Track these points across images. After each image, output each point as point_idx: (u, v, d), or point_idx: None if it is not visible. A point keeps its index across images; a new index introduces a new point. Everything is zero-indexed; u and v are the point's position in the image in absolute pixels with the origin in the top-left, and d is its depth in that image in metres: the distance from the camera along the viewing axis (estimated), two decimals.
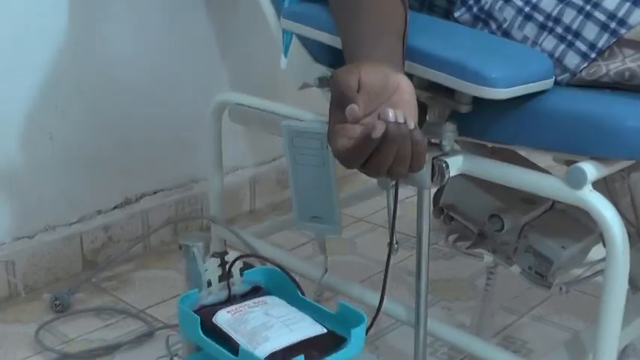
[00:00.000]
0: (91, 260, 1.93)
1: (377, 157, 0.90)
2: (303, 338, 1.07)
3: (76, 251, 1.90)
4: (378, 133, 0.87)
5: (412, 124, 0.90)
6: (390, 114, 0.88)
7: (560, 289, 1.38)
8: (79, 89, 1.83)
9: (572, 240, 1.31)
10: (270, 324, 1.10)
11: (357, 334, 1.08)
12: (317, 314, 1.16)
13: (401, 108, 0.91)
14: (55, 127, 1.81)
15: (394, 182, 1.16)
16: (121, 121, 1.93)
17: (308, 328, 1.11)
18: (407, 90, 0.95)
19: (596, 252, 1.31)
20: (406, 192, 1.51)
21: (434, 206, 1.44)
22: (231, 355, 1.04)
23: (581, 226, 1.35)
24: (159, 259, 2.02)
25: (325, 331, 1.11)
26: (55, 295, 1.76)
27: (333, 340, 1.09)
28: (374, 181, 1.24)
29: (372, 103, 0.91)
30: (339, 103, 0.92)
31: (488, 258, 1.42)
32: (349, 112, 0.89)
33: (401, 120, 0.89)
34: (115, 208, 1.97)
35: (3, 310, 1.76)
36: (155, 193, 2.06)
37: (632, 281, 1.43)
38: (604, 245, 1.09)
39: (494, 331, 1.65)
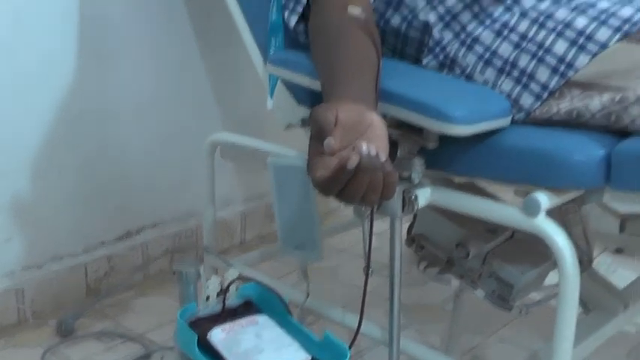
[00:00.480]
0: (95, 288, 1.92)
1: (351, 186, 0.90)
2: None
3: (80, 280, 1.89)
4: (352, 164, 0.87)
5: (383, 156, 0.91)
6: (364, 147, 0.89)
7: (520, 310, 1.38)
8: (85, 128, 1.83)
9: (530, 266, 1.32)
10: (261, 347, 1.11)
11: None
12: (303, 339, 1.16)
13: (373, 142, 0.91)
14: (64, 164, 1.81)
15: (369, 212, 1.15)
16: (123, 159, 1.93)
17: (295, 354, 1.12)
18: (379, 126, 0.95)
19: (553, 277, 1.31)
20: (382, 226, 1.52)
21: (407, 236, 1.45)
22: None
23: (538, 253, 1.35)
24: (157, 287, 2.01)
25: (309, 357, 1.12)
26: (60, 320, 1.75)
27: None
28: (352, 214, 1.26)
29: (347, 137, 0.92)
30: (318, 136, 0.92)
31: (456, 283, 1.43)
32: (327, 145, 0.89)
33: (373, 153, 0.89)
34: (117, 239, 1.97)
35: (12, 335, 1.75)
36: (154, 226, 2.05)
37: (583, 303, 1.44)
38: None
39: (462, 351, 1.65)
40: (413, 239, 1.45)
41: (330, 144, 0.89)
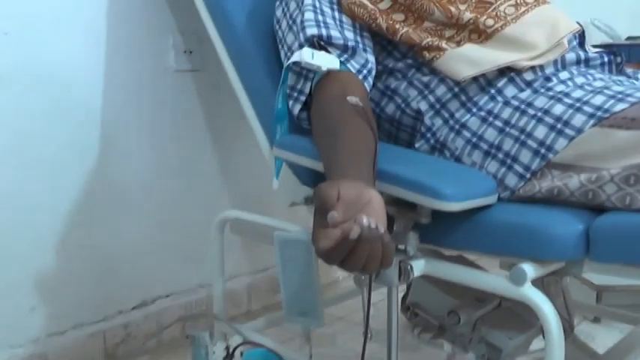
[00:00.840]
0: (112, 353, 1.90)
1: (353, 255, 0.90)
2: None
3: (99, 346, 1.87)
4: (354, 234, 0.88)
5: (382, 229, 0.91)
6: (364, 220, 0.89)
7: None
8: (103, 206, 1.84)
9: (517, 332, 1.31)
10: None
11: None
12: None
13: (373, 216, 0.91)
14: (83, 242, 1.80)
15: (368, 281, 1.15)
16: (139, 235, 1.93)
17: None
18: (377, 202, 0.95)
19: (537, 343, 1.31)
20: (378, 296, 1.52)
21: (402, 304, 1.44)
22: None
23: (524, 320, 1.34)
24: (170, 353, 1.99)
25: None
26: None
27: None
28: (352, 284, 1.25)
29: (348, 212, 0.92)
30: (322, 211, 0.92)
31: (448, 347, 1.41)
32: (330, 218, 0.90)
33: (373, 225, 0.89)
34: (133, 308, 1.95)
35: None
36: (167, 296, 2.04)
37: None
38: (543, 337, 1.08)
39: None
40: (408, 307, 1.44)
41: (334, 217, 0.90)
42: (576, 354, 1.42)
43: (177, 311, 2.05)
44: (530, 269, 1.06)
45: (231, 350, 1.21)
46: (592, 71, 1.34)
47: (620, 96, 1.17)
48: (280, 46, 1.44)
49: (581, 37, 1.41)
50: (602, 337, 1.47)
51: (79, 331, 1.83)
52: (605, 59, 1.38)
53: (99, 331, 1.87)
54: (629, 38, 3.00)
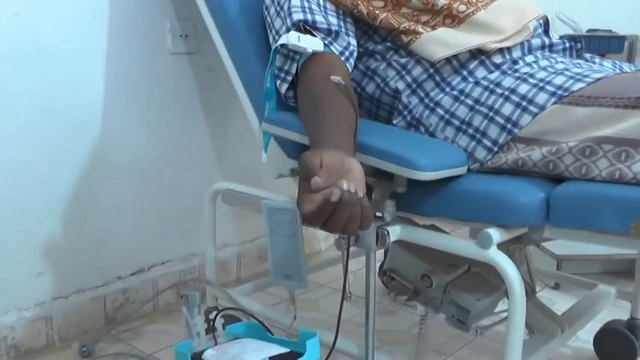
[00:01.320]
0: (112, 317, 1.90)
1: (334, 217, 0.91)
2: (270, 355, 1.09)
3: (100, 309, 1.87)
4: (335, 197, 0.89)
5: (361, 193, 0.92)
6: (345, 185, 0.90)
7: (476, 331, 1.39)
8: (107, 179, 1.84)
9: (484, 295, 1.32)
10: (245, 350, 1.12)
11: (312, 345, 1.10)
12: (281, 342, 1.18)
13: (353, 182, 0.92)
14: (88, 211, 1.81)
15: (347, 244, 1.16)
16: (138, 206, 1.93)
17: (274, 350, 1.13)
18: (357, 170, 0.96)
19: (503, 305, 1.32)
20: (356, 265, 1.53)
21: (379, 271, 1.45)
22: None
23: (490, 284, 1.36)
24: (165, 316, 2.00)
25: (288, 350, 1.13)
26: (82, 344, 1.73)
27: (293, 356, 1.11)
28: (333, 254, 1.25)
29: (330, 178, 0.92)
30: (306, 177, 0.93)
31: (421, 308, 1.42)
32: (313, 183, 0.90)
33: (352, 190, 0.90)
34: (131, 275, 1.96)
35: (42, 356, 1.73)
36: (163, 263, 2.04)
37: (528, 327, 1.44)
38: (508, 299, 1.09)
39: None
40: (384, 273, 1.44)
41: (317, 182, 0.91)
42: (536, 315, 1.43)
43: (171, 278, 2.06)
44: (495, 234, 1.08)
45: (211, 321, 1.21)
46: (555, 55, 1.36)
47: (578, 77, 1.19)
48: (269, 31, 1.45)
49: (545, 25, 1.42)
50: (561, 303, 1.49)
51: (82, 296, 1.84)
52: (567, 45, 1.40)
53: (99, 296, 1.87)
54: (589, 30, 3.04)
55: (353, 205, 0.91)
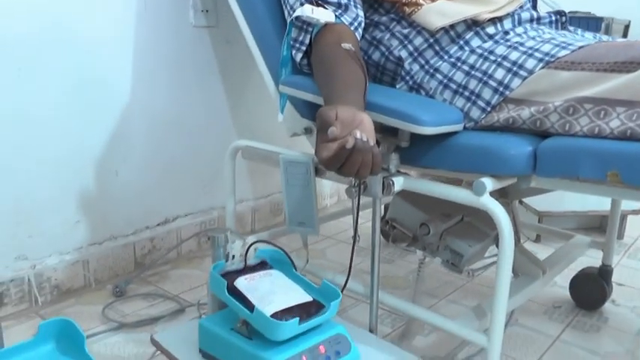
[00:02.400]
0: (141, 262, 1.95)
1: (349, 162, 0.94)
2: (296, 303, 1.11)
3: (130, 255, 1.92)
4: (350, 144, 0.91)
5: (372, 142, 0.95)
6: (358, 134, 0.93)
7: (468, 273, 1.43)
8: (136, 138, 1.87)
9: (475, 241, 1.36)
10: (274, 291, 1.13)
11: (334, 305, 1.11)
12: (306, 286, 1.19)
13: (365, 133, 0.95)
14: (119, 167, 1.84)
15: (357, 192, 1.19)
16: (162, 164, 1.96)
17: (300, 296, 1.14)
18: (368, 122, 0.99)
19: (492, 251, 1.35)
20: (361, 220, 1.56)
21: (382, 219, 1.48)
22: (248, 312, 1.07)
23: (481, 232, 1.39)
24: (187, 262, 2.04)
25: (311, 299, 1.14)
26: (115, 285, 1.78)
27: (316, 307, 1.12)
28: (338, 209, 1.26)
29: (345, 128, 0.95)
30: (323, 128, 0.95)
31: (419, 253, 1.45)
32: (330, 132, 0.93)
33: (365, 139, 0.93)
34: (157, 225, 2.00)
35: (80, 295, 1.77)
36: (186, 215, 2.08)
37: (514, 270, 1.48)
38: (497, 247, 1.11)
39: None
40: (387, 222, 1.47)
41: (333, 131, 0.93)
42: (521, 259, 1.47)
43: (193, 228, 2.10)
44: (488, 182, 1.10)
45: (248, 246, 1.24)
46: (542, 27, 1.37)
47: (563, 45, 1.21)
48: (284, 6, 1.45)
49: (534, 1, 1.44)
50: (542, 254, 1.53)
51: (114, 242, 1.88)
52: (553, 18, 1.41)
53: (130, 243, 1.91)
54: (570, 12, 3.05)
55: (365, 152, 0.94)
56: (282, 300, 1.11)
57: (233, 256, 1.22)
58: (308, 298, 1.14)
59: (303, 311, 1.10)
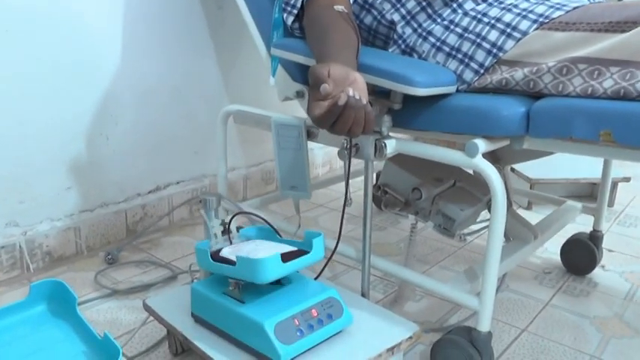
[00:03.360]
0: (132, 229, 1.94)
1: (341, 119, 0.93)
2: (281, 252, 1.10)
3: (122, 222, 1.91)
4: (342, 101, 0.91)
5: (365, 100, 0.94)
6: (351, 91, 0.92)
7: (460, 237, 1.42)
8: (127, 104, 1.84)
9: (467, 205, 1.35)
10: (259, 248, 1.13)
11: (317, 244, 1.10)
12: (290, 243, 1.19)
13: (357, 90, 0.95)
14: (110, 132, 1.82)
15: (349, 153, 1.18)
16: (154, 130, 1.94)
17: (284, 248, 1.13)
18: (361, 81, 0.98)
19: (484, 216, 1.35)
20: (352, 188, 1.54)
21: (374, 185, 1.48)
22: (231, 267, 1.06)
23: (473, 196, 1.38)
24: (179, 230, 2.03)
25: (296, 249, 1.14)
26: (107, 252, 1.77)
27: (301, 253, 1.11)
28: (329, 177, 1.25)
29: (337, 86, 0.94)
30: (315, 85, 0.94)
31: (412, 218, 1.44)
32: (323, 89, 0.92)
33: (357, 96, 0.92)
34: (149, 192, 1.98)
35: (72, 262, 1.76)
36: (177, 183, 2.07)
37: (505, 234, 1.48)
38: (489, 211, 1.11)
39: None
40: (379, 187, 1.46)
41: (326, 88, 0.92)
42: (514, 223, 1.47)
43: (185, 196, 2.09)
44: (481, 144, 1.10)
45: (227, 223, 1.23)
46: None
47: (557, 6, 1.20)
48: None
49: None
50: (533, 220, 1.53)
51: (106, 209, 1.87)
52: None
53: (121, 210, 1.90)
54: None
55: (358, 109, 0.93)
56: (265, 252, 1.09)
57: (216, 235, 1.21)
58: (292, 248, 1.14)
59: (288, 256, 1.09)
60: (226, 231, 1.25)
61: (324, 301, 1.11)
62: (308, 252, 1.12)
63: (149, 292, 1.60)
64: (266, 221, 1.27)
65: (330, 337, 1.10)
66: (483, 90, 1.21)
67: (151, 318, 1.26)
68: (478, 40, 1.22)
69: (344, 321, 1.12)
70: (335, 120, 0.94)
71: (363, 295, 1.31)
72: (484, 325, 1.15)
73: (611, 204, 2.37)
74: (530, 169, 2.31)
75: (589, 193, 2.44)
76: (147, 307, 1.25)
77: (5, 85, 1.55)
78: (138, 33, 1.82)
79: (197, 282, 1.20)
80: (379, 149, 1.17)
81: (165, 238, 1.96)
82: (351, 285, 1.64)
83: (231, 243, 1.23)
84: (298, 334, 1.04)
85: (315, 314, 1.08)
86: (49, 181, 1.70)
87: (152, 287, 1.62)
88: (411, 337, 1.13)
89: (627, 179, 2.35)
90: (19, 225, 1.66)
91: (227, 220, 1.27)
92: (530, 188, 2.27)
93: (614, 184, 2.35)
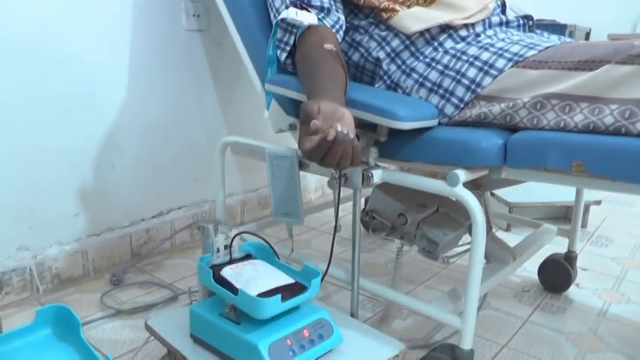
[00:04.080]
0: (137, 252, 1.92)
1: (330, 153, 0.92)
2: (279, 285, 1.10)
3: (127, 245, 1.89)
4: (331, 136, 0.90)
5: (352, 135, 0.93)
6: (339, 127, 0.91)
7: (444, 260, 1.41)
8: (132, 134, 1.83)
9: (450, 230, 1.34)
10: (258, 277, 1.12)
11: (314, 283, 1.10)
12: (288, 270, 1.18)
13: (345, 126, 0.94)
14: (116, 161, 1.81)
15: (339, 183, 1.17)
16: (157, 159, 1.93)
17: (283, 279, 1.12)
18: (349, 117, 0.97)
19: (466, 239, 1.34)
20: (342, 212, 1.53)
21: (363, 210, 1.47)
22: (233, 295, 1.05)
23: (455, 221, 1.38)
24: (181, 252, 2.01)
25: (293, 281, 1.13)
26: (113, 274, 1.75)
27: (299, 288, 1.11)
28: (322, 202, 1.25)
29: (326, 121, 0.94)
30: (306, 120, 0.94)
31: (397, 242, 1.44)
32: (313, 125, 0.92)
33: (345, 132, 0.92)
34: (153, 217, 1.97)
35: (80, 284, 1.74)
36: (179, 208, 2.05)
37: (486, 256, 1.47)
38: (470, 235, 1.11)
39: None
40: (367, 213, 1.46)
41: (316, 124, 0.92)
42: (493, 246, 1.46)
43: (186, 220, 2.07)
44: (462, 174, 1.09)
45: (231, 240, 1.22)
46: (511, 30, 1.37)
47: (531, 45, 1.20)
48: (270, 9, 1.44)
49: (503, 6, 1.43)
50: (512, 242, 1.53)
51: (111, 234, 1.85)
52: (521, 22, 1.41)
53: (126, 234, 1.89)
54: (537, 20, 3.06)
55: (346, 144, 0.92)
56: (265, 283, 1.09)
57: (218, 249, 1.20)
58: (290, 281, 1.13)
59: (286, 291, 1.08)
60: (228, 246, 1.24)
61: (316, 321, 1.10)
62: (305, 286, 1.11)
63: (151, 312, 1.58)
64: (268, 243, 1.26)
65: (321, 356, 1.09)
66: (463, 123, 1.20)
67: (152, 337, 1.24)
68: (458, 77, 1.23)
69: (334, 340, 1.11)
70: (324, 154, 0.93)
71: (352, 315, 1.29)
72: (467, 343, 1.14)
73: (584, 225, 2.36)
74: (509, 193, 2.31)
75: (564, 215, 2.44)
76: (148, 328, 1.23)
77: (18, 115, 1.55)
78: (142, 68, 1.81)
79: (196, 304, 1.19)
80: (366, 179, 1.16)
81: (167, 260, 1.94)
82: (341, 304, 1.62)
83: (231, 255, 1.22)
84: (291, 353, 1.03)
85: (307, 334, 1.07)
86: (58, 207, 1.68)
87: (154, 307, 1.60)
88: (397, 356, 1.12)
89: (598, 202, 2.35)
90: (29, 249, 1.64)
91: (230, 238, 1.26)
92: (509, 211, 2.26)
93: (587, 207, 2.35)
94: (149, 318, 1.30)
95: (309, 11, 1.32)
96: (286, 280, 1.13)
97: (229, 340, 1.06)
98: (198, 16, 1.93)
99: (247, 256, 1.25)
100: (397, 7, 1.34)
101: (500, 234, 2.23)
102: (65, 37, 1.60)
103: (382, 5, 1.34)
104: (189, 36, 1.94)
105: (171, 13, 1.86)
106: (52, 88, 1.60)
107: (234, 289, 1.07)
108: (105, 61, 1.72)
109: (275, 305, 1.03)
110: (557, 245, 2.00)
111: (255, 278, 1.11)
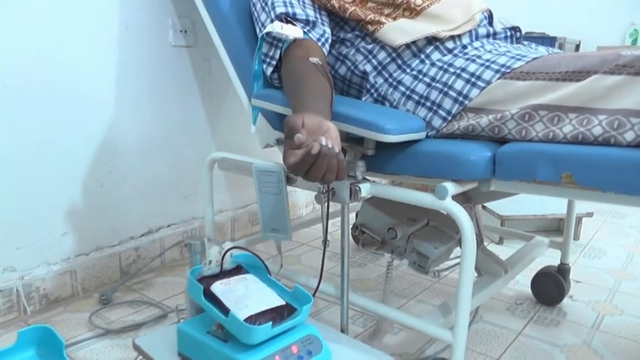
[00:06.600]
0: (126, 271, 1.89)
1: (314, 167, 0.91)
2: (269, 307, 1.07)
3: (116, 264, 1.86)
4: (315, 150, 0.88)
5: (337, 149, 0.92)
6: (324, 140, 0.90)
7: (434, 274, 1.40)
8: (120, 152, 1.81)
9: (440, 244, 1.33)
10: (249, 295, 1.10)
11: (305, 309, 1.08)
12: (279, 290, 1.16)
13: (330, 140, 0.92)
14: (104, 179, 1.79)
15: (326, 198, 1.15)
16: (145, 177, 1.91)
17: (273, 300, 1.10)
18: (334, 130, 0.96)
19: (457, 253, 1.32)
20: (331, 227, 1.52)
21: (352, 225, 1.45)
22: (223, 316, 1.03)
23: (445, 235, 1.37)
24: (170, 270, 1.99)
25: (284, 303, 1.11)
26: (102, 293, 1.72)
27: (289, 310, 1.09)
28: (312, 217, 1.24)
29: (311, 135, 0.92)
30: (290, 134, 0.92)
31: (388, 256, 1.43)
32: (297, 139, 0.90)
33: (330, 145, 0.90)
34: (142, 235, 1.94)
35: (68, 303, 1.71)
36: (168, 226, 2.03)
37: (477, 269, 1.46)
38: (460, 248, 1.09)
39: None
40: (357, 227, 1.45)
41: (300, 138, 0.90)
42: (484, 259, 1.44)
43: (176, 238, 2.05)
44: (450, 187, 1.08)
45: (224, 252, 1.20)
46: (498, 41, 1.36)
47: (518, 57, 1.19)
48: (256, 23, 1.43)
49: (490, 17, 1.42)
50: (504, 255, 1.51)
51: (100, 253, 1.82)
52: (508, 33, 1.40)
53: (115, 253, 1.86)
54: (526, 32, 3.08)
55: (331, 158, 0.90)
56: (255, 304, 1.07)
57: (210, 261, 1.18)
58: (281, 302, 1.10)
59: (276, 314, 1.06)
60: (220, 258, 1.22)
61: (304, 338, 1.08)
62: (295, 309, 1.09)
63: (140, 330, 1.56)
64: (260, 258, 1.23)
65: None
66: (451, 136, 1.19)
67: (141, 357, 1.21)
68: (445, 89, 1.21)
69: (323, 356, 1.08)
70: (309, 168, 0.91)
71: (342, 330, 1.27)
72: (458, 357, 1.12)
73: (576, 237, 2.35)
74: (501, 206, 2.30)
75: (556, 228, 2.42)
76: (136, 347, 1.21)
77: (4, 135, 1.52)
78: (130, 85, 1.80)
79: (183, 322, 1.16)
80: (354, 193, 1.15)
81: (157, 278, 1.91)
82: (332, 319, 1.60)
83: (222, 269, 1.20)
84: None
85: (296, 351, 1.05)
86: (45, 227, 1.66)
87: (143, 326, 1.58)
88: None
89: (590, 214, 2.33)
90: (16, 270, 1.61)
91: (225, 246, 1.24)
92: (501, 224, 2.25)
93: (579, 220, 2.34)
94: (137, 337, 1.27)
95: (294, 25, 1.31)
96: (277, 301, 1.11)
97: (217, 358, 1.04)
98: (186, 32, 1.92)
99: (238, 269, 1.22)
100: (383, 19, 1.33)
101: (492, 247, 2.21)
102: (48, 56, 1.59)
103: (368, 18, 1.33)
104: (177, 52, 1.93)
105: (158, 29, 1.85)
106: (38, 108, 1.58)
107: (224, 309, 1.05)
108: (91, 78, 1.70)
109: (265, 332, 1.01)
110: (550, 258, 1.99)
111: (245, 297, 1.09)
